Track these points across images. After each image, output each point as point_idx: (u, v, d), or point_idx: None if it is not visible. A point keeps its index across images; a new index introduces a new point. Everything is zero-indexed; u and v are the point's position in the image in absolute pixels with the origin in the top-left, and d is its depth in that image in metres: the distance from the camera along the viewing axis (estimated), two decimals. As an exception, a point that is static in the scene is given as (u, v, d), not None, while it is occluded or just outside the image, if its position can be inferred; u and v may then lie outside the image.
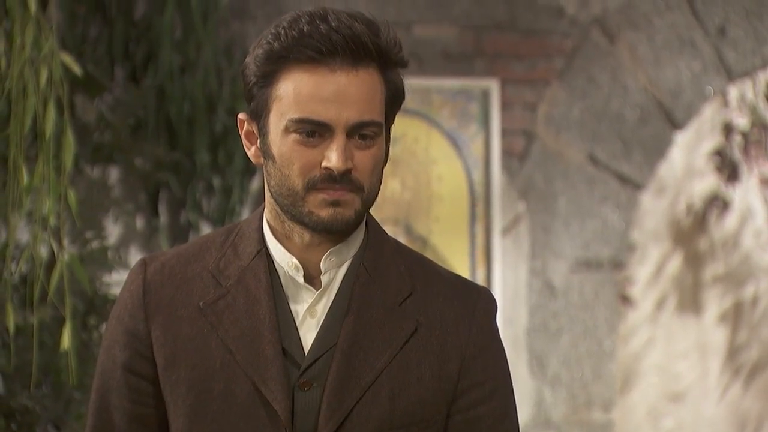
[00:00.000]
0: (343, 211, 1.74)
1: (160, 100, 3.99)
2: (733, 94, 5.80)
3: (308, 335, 1.79)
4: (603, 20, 4.61)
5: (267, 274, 1.80)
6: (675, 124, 4.68)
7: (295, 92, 1.72)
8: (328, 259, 1.79)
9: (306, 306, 1.79)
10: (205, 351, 1.78)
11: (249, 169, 4.09)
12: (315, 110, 1.71)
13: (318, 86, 1.72)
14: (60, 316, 3.11)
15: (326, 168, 1.72)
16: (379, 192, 1.80)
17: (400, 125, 4.36)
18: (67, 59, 2.80)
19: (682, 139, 5.54)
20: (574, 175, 4.60)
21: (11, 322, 2.79)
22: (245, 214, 4.14)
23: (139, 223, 4.08)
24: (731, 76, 4.71)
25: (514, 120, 4.53)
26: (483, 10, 4.49)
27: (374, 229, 1.85)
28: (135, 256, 4.03)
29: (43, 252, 3.16)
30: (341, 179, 1.72)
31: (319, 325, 1.79)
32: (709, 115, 5.76)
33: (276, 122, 1.74)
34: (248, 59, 1.77)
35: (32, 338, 2.92)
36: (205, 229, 4.10)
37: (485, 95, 4.46)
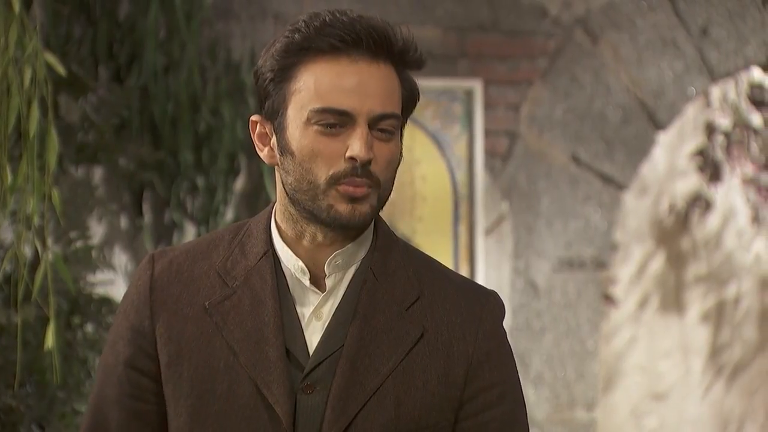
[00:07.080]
0: (360, 207, 1.73)
1: (144, 100, 3.99)
2: (716, 94, 5.82)
3: (313, 338, 1.78)
4: (586, 21, 4.62)
5: (273, 276, 1.79)
6: (657, 124, 4.70)
7: (316, 83, 1.71)
8: (333, 262, 1.78)
9: (312, 308, 1.79)
10: (210, 351, 1.78)
11: (233, 169, 4.09)
12: (337, 100, 1.70)
13: (340, 76, 1.71)
14: (44, 316, 3.11)
15: (350, 158, 1.70)
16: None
17: (384, 125, 4.40)
18: (51, 59, 2.80)
19: (664, 139, 5.56)
20: (557, 175, 4.61)
21: (-5, 322, 2.79)
22: (229, 213, 4.14)
23: (123, 222, 4.08)
24: (714, 76, 4.73)
25: (497, 120, 4.54)
26: (466, 11, 4.50)
27: (383, 232, 1.86)
28: (119, 256, 4.03)
29: (27, 251, 3.17)
30: (362, 172, 1.71)
31: (324, 328, 1.78)
32: (691, 115, 5.78)
33: (295, 116, 1.73)
34: (261, 61, 1.76)
35: (16, 338, 2.92)
36: (189, 229, 4.10)
37: (468, 96, 4.47)
